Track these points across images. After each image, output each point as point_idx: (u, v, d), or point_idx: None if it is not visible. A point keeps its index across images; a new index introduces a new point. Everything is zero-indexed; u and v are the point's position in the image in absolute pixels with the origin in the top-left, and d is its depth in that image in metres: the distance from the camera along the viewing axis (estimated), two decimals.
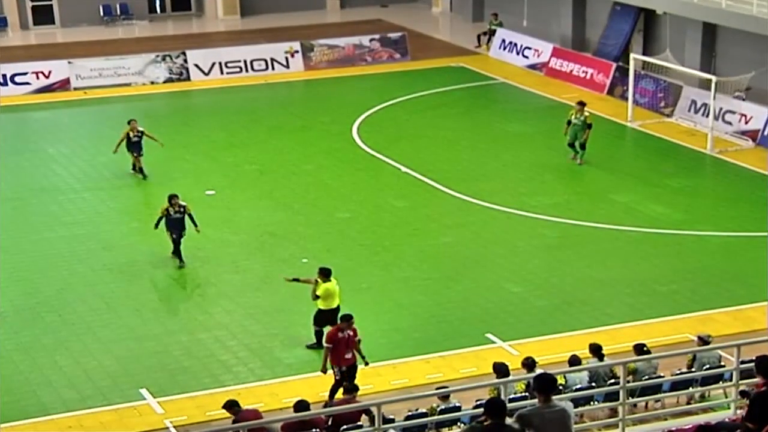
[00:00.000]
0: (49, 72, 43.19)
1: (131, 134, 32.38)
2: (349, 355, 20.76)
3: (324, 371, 20.88)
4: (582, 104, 34.11)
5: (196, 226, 26.81)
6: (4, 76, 42.56)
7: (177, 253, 26.89)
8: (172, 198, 26.82)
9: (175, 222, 26.73)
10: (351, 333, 20.73)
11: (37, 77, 42.98)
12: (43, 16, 53.90)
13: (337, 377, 20.70)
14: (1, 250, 27.89)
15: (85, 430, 20.27)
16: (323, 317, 22.69)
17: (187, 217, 26.80)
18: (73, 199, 31.46)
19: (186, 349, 23.12)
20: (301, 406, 18.15)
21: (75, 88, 43.02)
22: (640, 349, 19.93)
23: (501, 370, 19.16)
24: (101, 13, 54.26)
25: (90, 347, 23.24)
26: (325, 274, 22.68)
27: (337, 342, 20.63)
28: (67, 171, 33.94)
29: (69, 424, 20.42)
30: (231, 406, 18.24)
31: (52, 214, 30.36)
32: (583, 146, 33.65)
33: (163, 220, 26.74)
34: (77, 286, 26.10)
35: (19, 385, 21.64)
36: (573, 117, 33.59)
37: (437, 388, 18.77)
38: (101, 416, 20.68)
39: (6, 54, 46.67)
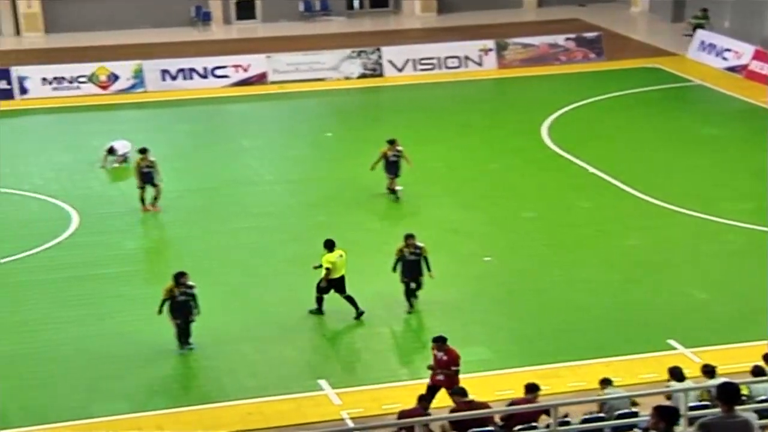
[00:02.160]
0: (248, 66, 44.24)
1: (389, 153, 30.82)
2: (439, 377, 20.24)
3: None
4: None
5: (429, 270, 24.31)
6: (205, 68, 43.82)
7: (408, 297, 24.50)
8: (408, 238, 24.41)
9: (412, 265, 24.29)
10: (445, 357, 20.16)
11: (236, 70, 44.08)
12: (245, 11, 55.16)
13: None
14: (192, 239, 28.76)
15: (264, 417, 20.66)
16: (326, 285, 24.18)
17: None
18: (264, 190, 32.17)
19: (365, 342, 23.40)
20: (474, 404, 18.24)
21: (271, 82, 43.97)
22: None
23: (676, 374, 18.81)
24: (301, 9, 55.25)
25: (273, 337, 23.74)
26: (329, 246, 24.25)
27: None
28: (259, 163, 34.76)
29: (249, 410, 20.86)
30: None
31: (243, 204, 31.09)
32: None
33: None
34: (263, 277, 26.69)
35: (204, 372, 22.25)
36: None
37: (600, 380, 18.82)
38: (280, 405, 21.06)
39: (208, 47, 48.08)
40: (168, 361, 22.55)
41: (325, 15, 55.52)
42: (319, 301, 24.44)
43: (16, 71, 42.44)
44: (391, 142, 31.00)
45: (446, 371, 20.19)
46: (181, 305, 22.53)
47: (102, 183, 32.96)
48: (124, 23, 51.71)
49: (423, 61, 45.55)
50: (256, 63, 44.36)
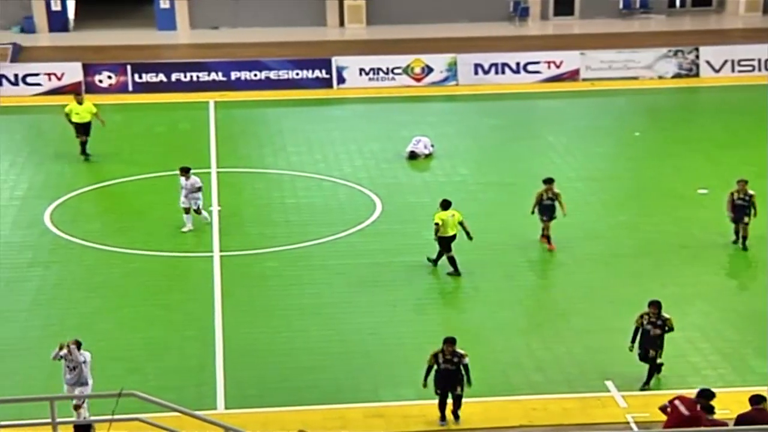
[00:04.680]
0: (561, 62, 44.23)
1: None
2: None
3: None
4: None
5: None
6: (517, 64, 44.08)
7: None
8: (651, 305, 21.36)
9: (647, 337, 21.36)
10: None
11: (549, 66, 44.13)
12: (563, 7, 54.94)
13: None
14: (489, 232, 28.83)
15: (548, 414, 20.64)
16: (440, 243, 25.96)
17: None
18: (565, 188, 31.60)
19: None
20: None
21: (583, 79, 43.87)
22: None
23: None
24: (620, 6, 54.58)
25: (562, 334, 23.66)
26: (444, 205, 26.01)
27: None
28: (563, 160, 34.67)
29: (533, 406, 20.90)
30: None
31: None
32: None
33: None
34: (558, 274, 26.71)
35: (491, 364, 22.29)
36: None
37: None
38: (565, 402, 20.98)
39: (522, 43, 48.30)
40: None
41: (645, 13, 54.62)
42: (451, 261, 26.01)
43: (336, 61, 43.92)
44: None
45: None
46: (444, 375, 20.15)
47: (407, 173, 33.69)
48: (442, 17, 52.52)
49: (742, 63, 44.28)
50: (569, 59, 44.29)
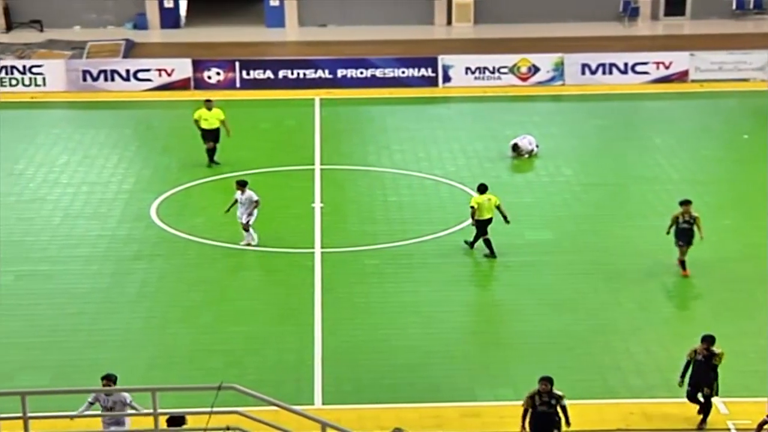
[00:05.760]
0: (670, 63, 43.80)
1: None
2: None
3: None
4: None
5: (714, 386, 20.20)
6: (625, 64, 43.73)
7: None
8: (705, 340, 20.05)
9: (701, 370, 20.06)
10: None
11: (657, 67, 43.78)
12: (675, 7, 54.25)
13: None
14: (592, 233, 28.68)
15: (646, 418, 20.41)
16: (477, 225, 27.03)
17: None
18: (669, 189, 31.57)
19: (761, 352, 22.54)
20: None
21: (692, 81, 43.39)
22: None
23: None
24: (733, 7, 53.73)
25: (663, 338, 23.38)
26: (480, 190, 27.05)
27: None
28: (668, 162, 34.24)
29: (631, 410, 20.67)
30: None
31: (647, 203, 30.68)
32: None
33: None
34: (660, 278, 26.35)
35: (590, 366, 22.17)
36: None
37: None
38: (664, 407, 20.70)
39: (631, 43, 47.93)
40: (554, 352, 22.67)
41: (759, 13, 53.71)
42: (487, 243, 26.99)
43: (442, 60, 43.95)
44: None
45: None
46: (541, 418, 18.55)
47: (510, 173, 33.63)
48: (550, 16, 52.23)
49: None
50: (678, 60, 43.81)
